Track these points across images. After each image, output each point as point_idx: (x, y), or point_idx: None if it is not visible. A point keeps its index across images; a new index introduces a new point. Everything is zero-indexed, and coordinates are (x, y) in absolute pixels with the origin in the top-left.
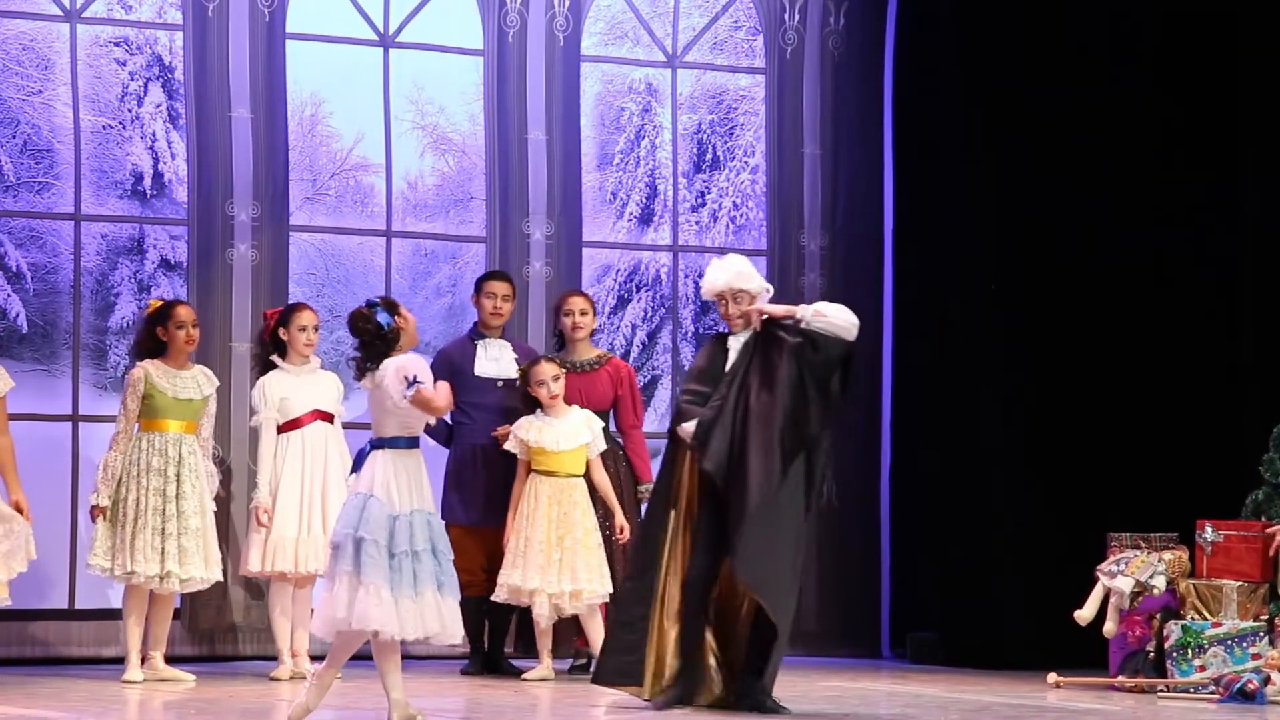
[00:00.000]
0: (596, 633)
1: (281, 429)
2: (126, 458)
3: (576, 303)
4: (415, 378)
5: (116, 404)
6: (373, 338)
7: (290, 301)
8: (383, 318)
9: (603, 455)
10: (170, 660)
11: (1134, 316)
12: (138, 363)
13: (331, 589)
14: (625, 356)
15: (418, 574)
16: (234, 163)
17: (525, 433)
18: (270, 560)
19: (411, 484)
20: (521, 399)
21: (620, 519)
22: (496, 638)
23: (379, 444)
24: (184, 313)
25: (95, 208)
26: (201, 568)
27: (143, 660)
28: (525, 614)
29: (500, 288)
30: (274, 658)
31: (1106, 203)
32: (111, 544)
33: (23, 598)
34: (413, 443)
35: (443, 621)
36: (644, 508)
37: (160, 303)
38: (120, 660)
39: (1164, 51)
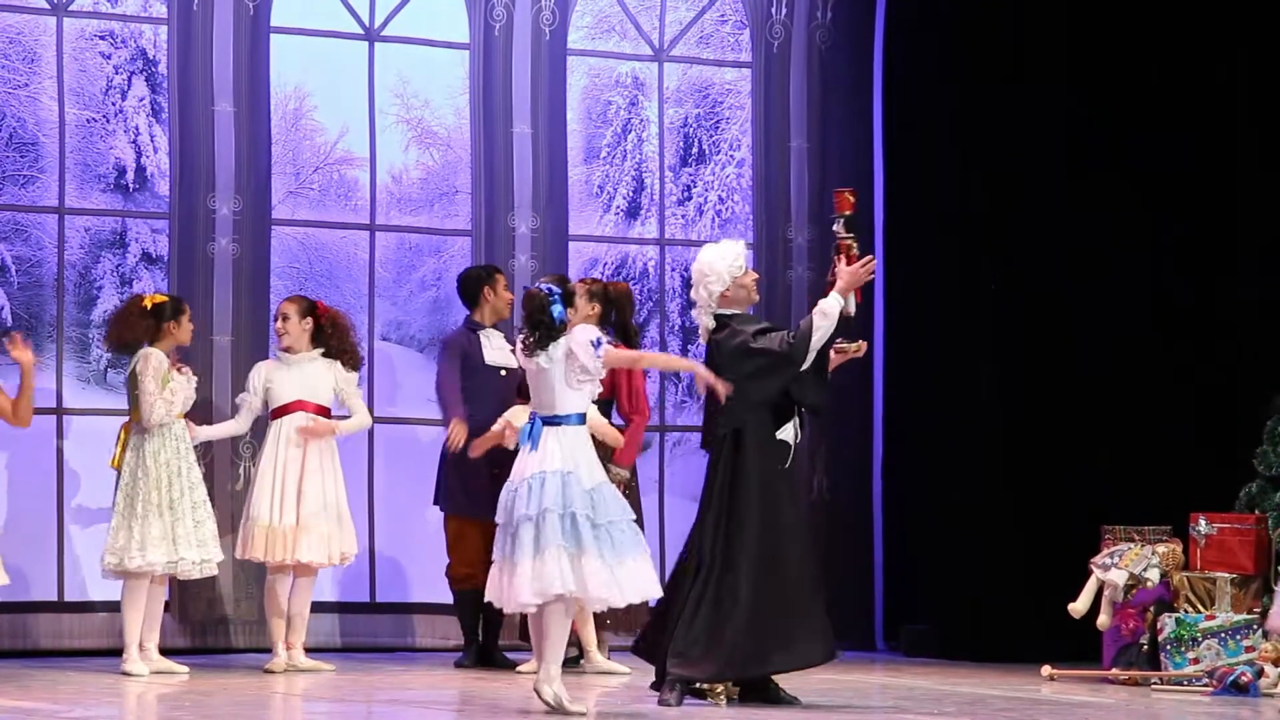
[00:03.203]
0: (588, 625)
1: (273, 415)
2: (138, 450)
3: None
4: (599, 340)
5: (100, 398)
6: (546, 328)
7: (272, 294)
8: (557, 311)
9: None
10: (163, 652)
11: (1128, 308)
12: (148, 349)
13: (531, 563)
14: None
15: (619, 541)
16: (216, 157)
17: (520, 421)
18: (243, 547)
19: (592, 457)
20: (520, 385)
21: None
22: (491, 631)
23: (553, 420)
24: (189, 308)
25: (79, 201)
26: (218, 550)
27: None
28: None
29: (500, 279)
30: (268, 650)
31: (1100, 194)
32: (161, 535)
33: (12, 591)
34: (582, 418)
35: (641, 586)
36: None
37: (164, 297)
38: (110, 652)
39: (1161, 40)
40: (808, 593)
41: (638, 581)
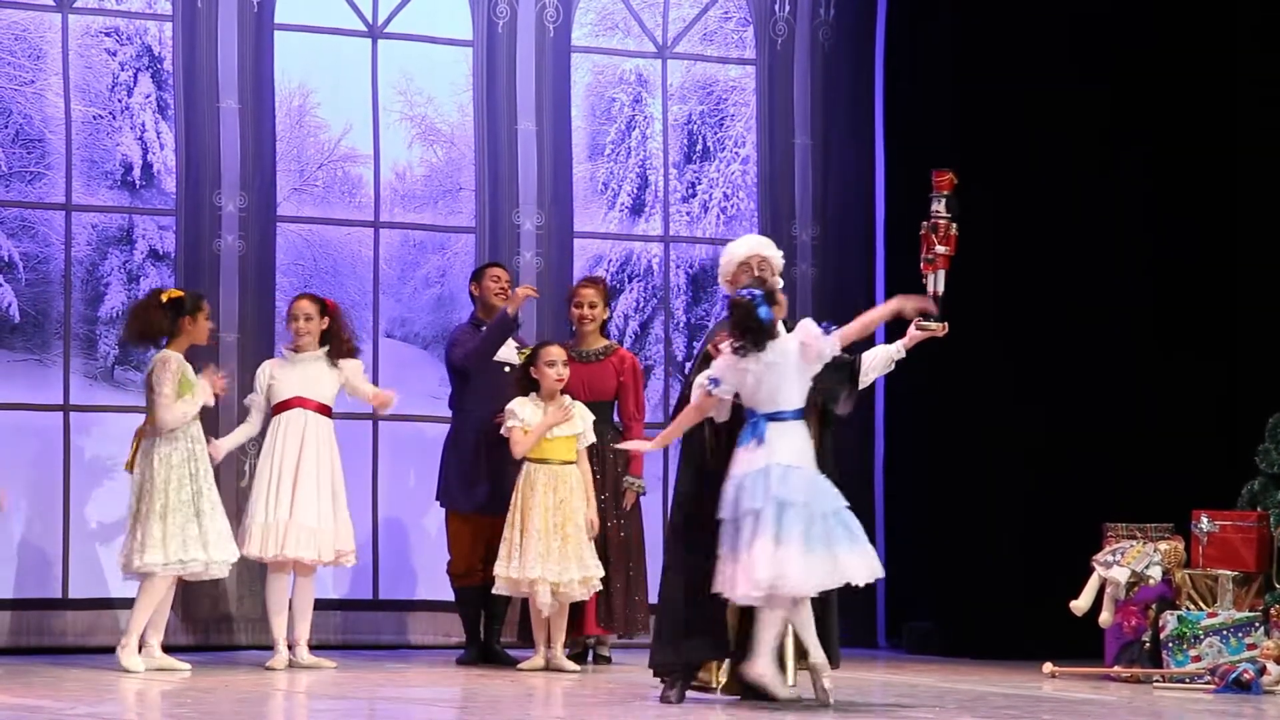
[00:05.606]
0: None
1: (274, 411)
2: (148, 453)
3: (587, 294)
4: (829, 325)
5: (107, 394)
6: (757, 333)
7: (277, 290)
8: (764, 312)
9: (591, 449)
10: (166, 649)
11: (1130, 305)
12: (165, 350)
13: (750, 553)
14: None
15: (832, 532)
16: (221, 153)
17: (523, 411)
18: (242, 544)
19: (810, 451)
20: (518, 380)
21: (592, 514)
22: (493, 628)
23: (776, 416)
24: (207, 305)
25: (85, 198)
26: (232, 551)
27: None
28: (523, 603)
29: (503, 274)
30: (271, 647)
31: (1102, 191)
32: (163, 537)
33: (17, 587)
34: (800, 413)
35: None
36: (627, 501)
37: (180, 292)
38: (113, 650)
39: (1163, 39)
40: (682, 595)
41: (851, 567)
